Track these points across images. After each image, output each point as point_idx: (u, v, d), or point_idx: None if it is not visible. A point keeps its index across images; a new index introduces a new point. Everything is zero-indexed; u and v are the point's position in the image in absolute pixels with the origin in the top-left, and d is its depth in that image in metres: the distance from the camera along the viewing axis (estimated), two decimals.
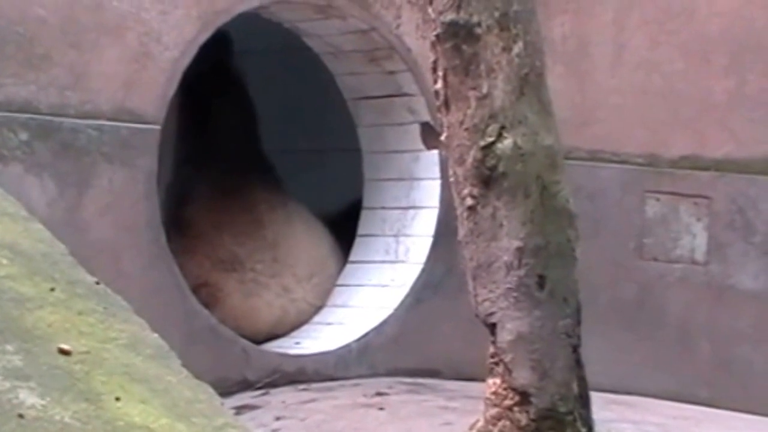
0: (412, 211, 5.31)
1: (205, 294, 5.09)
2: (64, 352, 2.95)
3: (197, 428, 2.86)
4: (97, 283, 3.30)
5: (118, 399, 2.87)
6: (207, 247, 5.24)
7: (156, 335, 3.17)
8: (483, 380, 3.34)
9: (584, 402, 3.30)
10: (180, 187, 5.40)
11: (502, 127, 3.28)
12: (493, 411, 3.26)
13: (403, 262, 5.29)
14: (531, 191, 3.28)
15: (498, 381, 3.26)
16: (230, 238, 5.26)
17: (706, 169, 5.49)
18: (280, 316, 5.27)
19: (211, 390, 3.07)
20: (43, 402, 2.78)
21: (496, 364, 3.26)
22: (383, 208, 5.39)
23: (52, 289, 3.19)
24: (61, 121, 4.78)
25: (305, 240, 5.39)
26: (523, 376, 3.24)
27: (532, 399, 3.24)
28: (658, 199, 5.43)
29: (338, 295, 5.39)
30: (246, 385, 4.92)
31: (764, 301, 5.50)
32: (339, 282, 5.40)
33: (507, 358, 3.24)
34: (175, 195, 5.37)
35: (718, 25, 5.51)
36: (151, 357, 3.06)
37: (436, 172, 5.22)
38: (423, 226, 5.26)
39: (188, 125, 5.50)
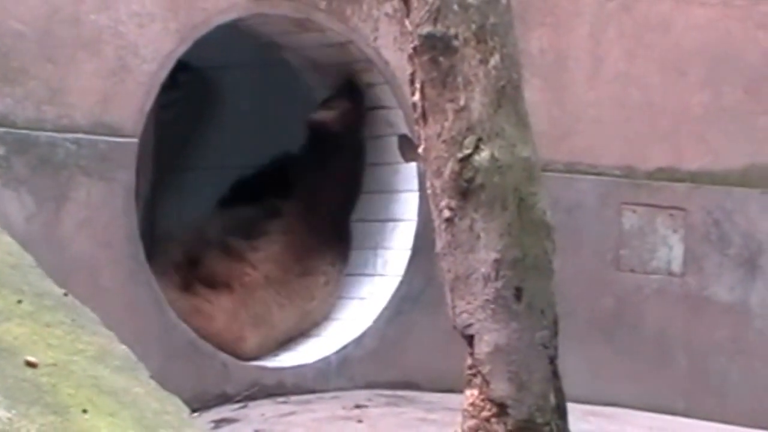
0: (390, 224, 5.32)
1: (198, 321, 5.01)
2: (30, 365, 2.94)
3: None
4: (66, 295, 3.29)
5: (85, 411, 2.85)
6: (244, 294, 5.08)
7: (124, 347, 3.17)
8: (462, 392, 3.35)
9: (561, 413, 3.31)
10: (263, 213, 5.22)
11: (480, 140, 3.29)
12: (471, 422, 3.27)
13: (381, 275, 5.29)
14: (508, 203, 3.29)
15: (476, 392, 3.26)
16: (275, 297, 5.11)
17: (682, 181, 5.53)
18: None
19: (179, 401, 3.07)
20: (9, 415, 2.76)
21: (474, 375, 3.27)
22: (362, 220, 5.40)
23: (20, 302, 3.17)
24: (38, 135, 4.77)
25: (330, 307, 5.31)
26: (500, 388, 3.25)
27: (510, 410, 3.24)
28: (634, 211, 5.46)
29: None
30: (225, 399, 4.91)
31: (740, 313, 5.53)
32: None
33: (485, 369, 3.25)
34: (251, 218, 5.18)
35: (695, 38, 5.55)
36: (119, 369, 3.05)
37: (415, 184, 5.23)
38: (402, 239, 5.27)
39: (309, 163, 5.27)
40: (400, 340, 5.14)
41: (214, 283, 5.13)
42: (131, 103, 4.85)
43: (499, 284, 3.26)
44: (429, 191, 3.36)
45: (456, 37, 3.29)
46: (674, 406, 5.36)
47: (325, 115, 5.28)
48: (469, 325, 3.28)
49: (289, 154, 5.50)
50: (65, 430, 2.76)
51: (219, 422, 4.70)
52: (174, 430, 2.91)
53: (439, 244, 3.33)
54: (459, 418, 3.33)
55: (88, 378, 2.95)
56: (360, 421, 4.60)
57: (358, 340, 5.14)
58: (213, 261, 5.18)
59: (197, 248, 5.22)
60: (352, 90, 5.22)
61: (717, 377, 5.48)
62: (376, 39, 5.17)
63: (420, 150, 3.39)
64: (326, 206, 5.28)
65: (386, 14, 5.18)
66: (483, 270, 3.27)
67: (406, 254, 5.22)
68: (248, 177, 5.58)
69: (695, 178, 5.54)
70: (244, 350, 5.07)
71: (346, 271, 5.37)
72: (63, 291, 3.30)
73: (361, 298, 5.29)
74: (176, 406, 3.02)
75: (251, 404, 4.86)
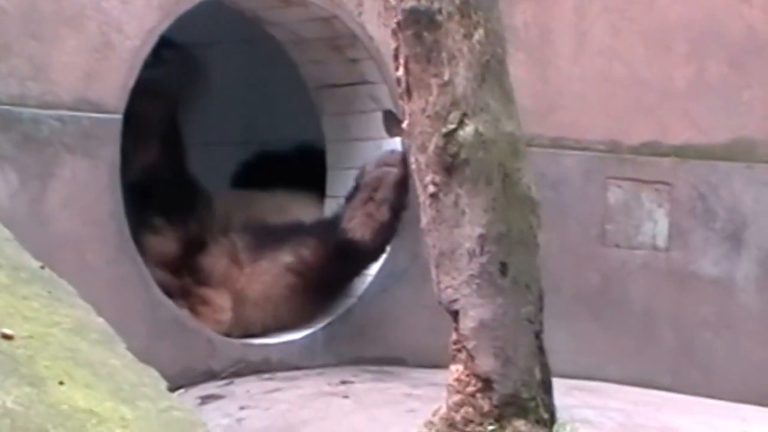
0: None
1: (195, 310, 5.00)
2: (6, 337, 2.93)
3: (141, 411, 2.87)
4: (42, 268, 3.28)
5: (62, 383, 2.86)
6: (236, 299, 5.01)
7: (101, 320, 3.17)
8: (447, 368, 3.36)
9: (547, 388, 3.32)
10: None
11: (464, 114, 3.29)
12: (456, 398, 3.28)
13: None
14: (493, 178, 3.29)
15: (461, 368, 3.27)
16: (263, 318, 5.00)
17: (667, 155, 5.53)
18: None
19: (156, 373, 3.07)
20: None
21: (459, 350, 3.28)
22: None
23: None
24: (21, 112, 4.75)
25: None
26: (485, 363, 3.25)
27: (495, 385, 3.25)
28: (620, 186, 5.46)
29: None
30: (211, 375, 4.91)
31: (725, 287, 5.54)
32: None
33: (470, 344, 3.26)
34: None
35: (678, 12, 5.54)
36: (97, 341, 3.05)
37: None
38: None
39: None
40: (386, 315, 5.14)
41: (209, 279, 5.10)
42: (115, 80, 4.82)
43: (484, 259, 3.27)
44: (414, 166, 3.36)
45: (440, 11, 3.28)
46: (659, 380, 5.38)
47: (360, 234, 4.90)
48: (454, 300, 3.29)
49: (308, 144, 5.40)
50: (41, 401, 2.76)
51: (205, 399, 4.70)
52: (151, 401, 2.91)
53: (424, 220, 3.33)
54: (444, 394, 3.33)
55: (64, 350, 2.95)
56: (346, 397, 4.60)
57: (344, 316, 5.14)
58: (216, 257, 5.10)
59: (209, 227, 5.15)
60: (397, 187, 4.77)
61: (702, 352, 5.50)
62: (360, 14, 5.15)
63: (404, 125, 3.38)
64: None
65: None
66: (468, 245, 3.27)
67: None
68: (270, 154, 5.48)
69: (680, 152, 5.54)
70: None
71: None
72: (40, 264, 3.29)
73: None
74: (153, 378, 3.03)
75: (237, 381, 4.86)
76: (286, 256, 5.04)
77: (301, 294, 5.06)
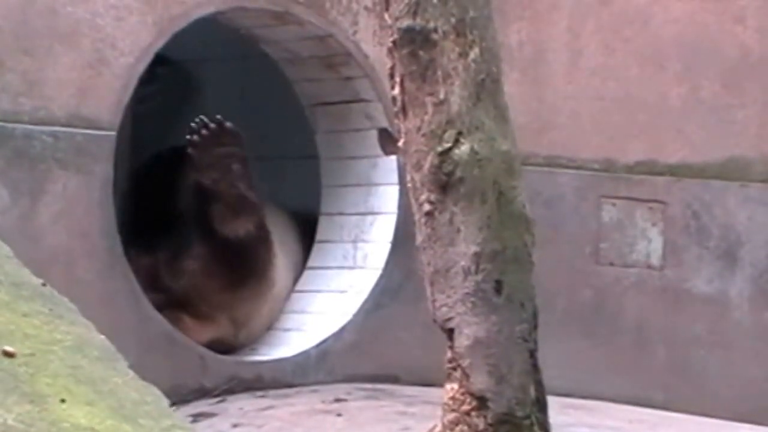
0: (370, 217, 5.32)
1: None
2: (8, 354, 2.92)
3: (144, 430, 2.86)
4: (44, 285, 3.27)
5: (63, 401, 2.85)
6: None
7: (103, 337, 3.16)
8: (442, 386, 3.35)
9: (541, 406, 3.31)
10: None
11: (459, 133, 3.29)
12: (451, 416, 3.27)
13: (361, 268, 5.29)
14: (488, 197, 3.29)
15: (455, 386, 3.26)
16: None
17: (661, 174, 5.54)
18: None
19: (158, 391, 3.06)
20: None
21: (454, 369, 3.27)
22: (341, 214, 5.40)
23: None
24: (14, 128, 4.74)
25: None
26: (480, 381, 3.25)
27: (490, 404, 3.24)
28: (614, 204, 5.47)
29: (296, 301, 5.38)
30: (203, 393, 4.90)
31: (718, 305, 5.55)
32: (297, 288, 5.40)
33: (464, 363, 3.25)
34: None
35: (672, 31, 5.56)
36: (98, 359, 3.05)
37: (394, 178, 5.23)
38: (381, 232, 5.26)
39: None
40: (379, 333, 5.14)
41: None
42: (109, 96, 4.82)
43: (478, 277, 3.26)
44: (409, 185, 3.36)
45: (435, 30, 3.28)
46: (653, 398, 5.38)
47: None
48: (449, 318, 3.28)
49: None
50: (43, 419, 2.75)
51: (197, 416, 4.69)
52: (153, 419, 2.91)
53: (419, 238, 3.33)
54: (439, 412, 3.33)
55: (66, 368, 2.94)
56: (339, 415, 4.59)
57: (338, 334, 5.14)
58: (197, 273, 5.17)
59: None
60: None
61: (696, 370, 5.50)
62: (355, 32, 5.16)
63: (400, 143, 3.38)
64: None
65: (365, 7, 5.17)
66: (463, 263, 3.27)
67: (385, 247, 5.22)
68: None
69: (674, 171, 5.55)
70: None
71: (326, 264, 5.37)
72: (41, 281, 3.28)
73: (341, 291, 5.29)
74: (155, 396, 3.02)
75: (229, 398, 4.85)
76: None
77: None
